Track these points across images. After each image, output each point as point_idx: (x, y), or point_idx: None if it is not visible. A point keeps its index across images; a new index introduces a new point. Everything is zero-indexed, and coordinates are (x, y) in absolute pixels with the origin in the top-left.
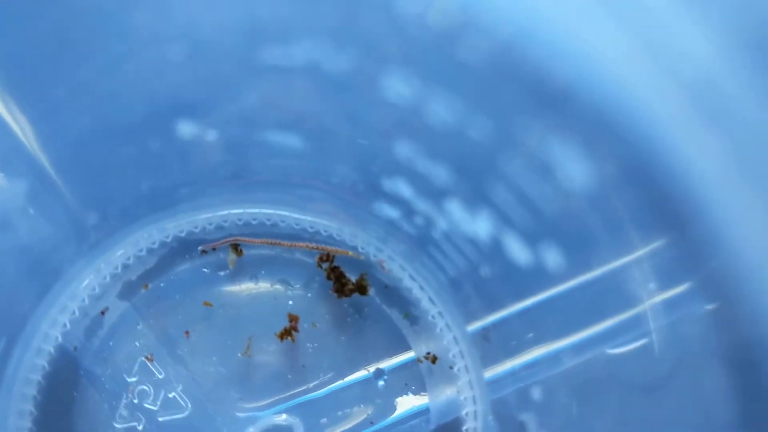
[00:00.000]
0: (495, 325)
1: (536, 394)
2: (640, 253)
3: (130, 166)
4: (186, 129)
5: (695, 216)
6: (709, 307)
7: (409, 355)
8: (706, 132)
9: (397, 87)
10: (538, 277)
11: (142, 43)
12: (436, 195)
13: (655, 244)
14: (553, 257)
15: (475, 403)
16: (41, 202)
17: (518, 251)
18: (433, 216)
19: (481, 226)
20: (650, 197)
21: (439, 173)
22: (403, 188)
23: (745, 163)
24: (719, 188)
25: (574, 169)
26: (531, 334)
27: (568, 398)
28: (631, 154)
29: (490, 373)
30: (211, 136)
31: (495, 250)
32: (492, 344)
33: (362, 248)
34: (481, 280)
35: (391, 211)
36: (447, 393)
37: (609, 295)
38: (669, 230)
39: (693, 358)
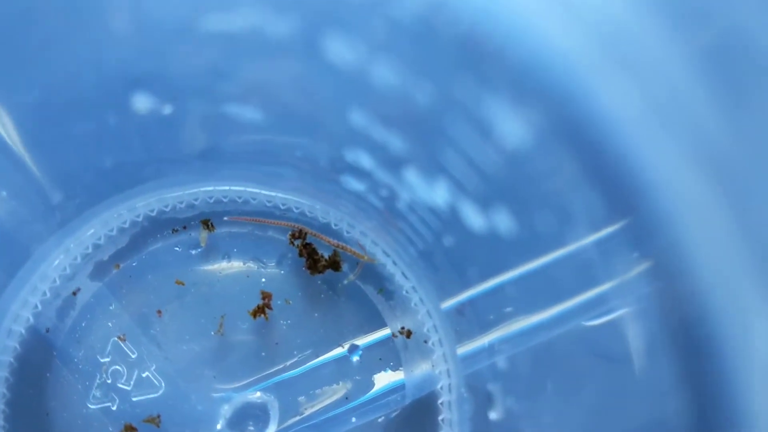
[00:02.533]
0: (471, 301)
1: (509, 366)
2: (582, 213)
3: (90, 141)
4: (142, 102)
5: (621, 164)
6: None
7: (384, 330)
8: (621, 78)
9: (341, 51)
10: (496, 244)
11: (85, 15)
12: (395, 164)
13: (590, 199)
14: (504, 222)
15: (449, 376)
16: (2, 179)
17: (473, 217)
18: (395, 187)
19: (438, 194)
20: (581, 153)
21: (394, 141)
22: (364, 159)
23: (656, 106)
24: (637, 133)
25: (509, 126)
26: (506, 309)
27: (541, 370)
28: (558, 107)
29: (464, 347)
30: (168, 109)
31: (453, 218)
32: (467, 319)
33: (335, 225)
34: (446, 251)
35: (357, 185)
36: (422, 367)
37: (581, 271)
38: (602, 183)
39: (652, 334)
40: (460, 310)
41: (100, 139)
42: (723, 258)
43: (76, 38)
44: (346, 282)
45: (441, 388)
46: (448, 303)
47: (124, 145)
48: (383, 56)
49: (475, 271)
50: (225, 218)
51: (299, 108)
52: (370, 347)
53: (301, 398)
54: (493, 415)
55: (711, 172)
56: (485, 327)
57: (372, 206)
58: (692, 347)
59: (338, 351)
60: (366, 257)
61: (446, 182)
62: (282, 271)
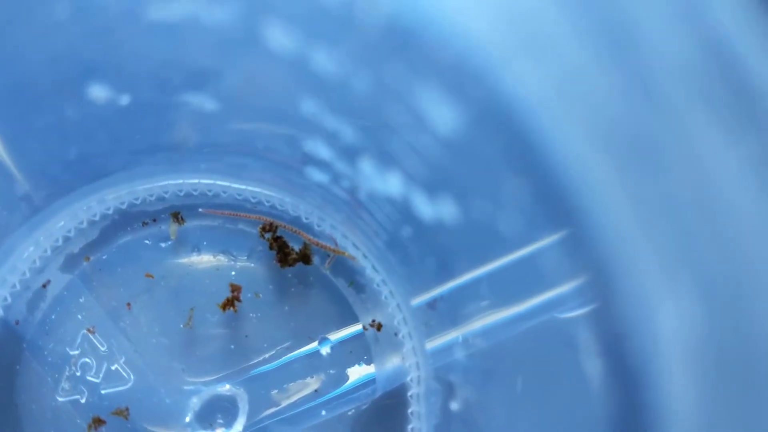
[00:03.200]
0: (443, 297)
1: (477, 360)
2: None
3: (51, 133)
4: (98, 93)
5: (537, 150)
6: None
7: (354, 323)
8: (527, 61)
9: (280, 39)
10: (445, 233)
11: (26, 4)
12: (350, 154)
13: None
14: (448, 209)
15: (418, 368)
16: None
17: (423, 207)
18: (354, 178)
19: (391, 183)
20: (502, 138)
21: (345, 130)
22: (322, 149)
23: (562, 89)
24: (545, 116)
25: (441, 113)
26: (475, 304)
27: (508, 362)
28: (478, 92)
29: (434, 341)
30: (125, 99)
31: (407, 208)
32: (438, 312)
33: (306, 219)
34: (407, 242)
35: (320, 176)
36: (392, 360)
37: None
38: (524, 170)
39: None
40: (431, 304)
41: (61, 131)
42: (629, 242)
43: (21, 27)
44: (327, 268)
45: (410, 380)
46: (419, 299)
47: (86, 136)
48: (319, 44)
49: (433, 261)
50: (200, 210)
51: (251, 97)
52: (340, 340)
53: (272, 392)
54: (461, 407)
55: (615, 156)
56: (455, 321)
57: (338, 198)
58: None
59: (309, 345)
60: (347, 254)
61: (397, 172)
62: (252, 264)
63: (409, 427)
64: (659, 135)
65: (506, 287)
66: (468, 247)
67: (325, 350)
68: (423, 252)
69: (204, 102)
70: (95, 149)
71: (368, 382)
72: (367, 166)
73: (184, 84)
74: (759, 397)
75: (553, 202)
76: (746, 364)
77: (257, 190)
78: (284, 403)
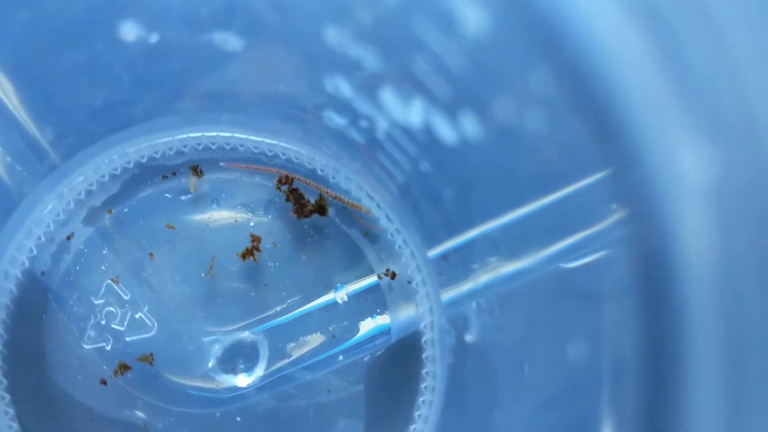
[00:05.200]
0: (456, 250)
1: (489, 304)
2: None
3: (80, 73)
4: (129, 30)
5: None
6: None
7: (369, 274)
8: None
9: None
10: (468, 156)
11: None
12: (372, 86)
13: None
14: (471, 127)
15: (432, 314)
16: None
17: (445, 130)
18: (374, 115)
19: (413, 112)
20: (536, 34)
21: (369, 57)
22: (343, 86)
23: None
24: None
25: (468, 13)
26: (490, 256)
27: (517, 308)
28: None
29: (447, 289)
30: (154, 38)
31: (427, 136)
32: (451, 264)
33: (321, 171)
34: (423, 178)
35: (339, 120)
36: (406, 308)
37: (566, 214)
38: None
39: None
40: (444, 256)
41: (89, 72)
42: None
43: None
44: (366, 212)
45: (424, 326)
46: (433, 251)
47: (113, 80)
48: None
49: (450, 193)
50: (221, 164)
51: (278, 30)
52: (355, 288)
53: (291, 340)
54: (473, 349)
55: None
56: (467, 272)
57: (354, 144)
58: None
59: (324, 292)
60: (363, 208)
61: (420, 95)
62: (269, 216)
63: (424, 371)
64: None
65: (525, 233)
66: (491, 165)
67: (341, 297)
68: (439, 186)
69: (230, 39)
70: (120, 95)
71: (384, 330)
72: (388, 96)
73: (212, 19)
74: None
75: (577, 94)
76: (761, 199)
77: (274, 142)
78: (303, 350)
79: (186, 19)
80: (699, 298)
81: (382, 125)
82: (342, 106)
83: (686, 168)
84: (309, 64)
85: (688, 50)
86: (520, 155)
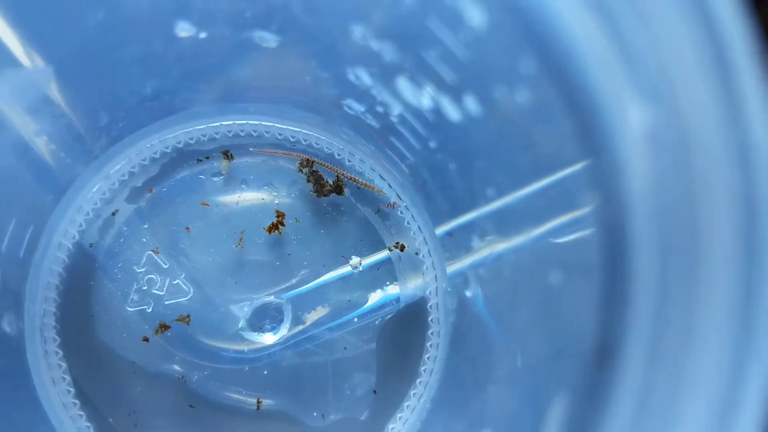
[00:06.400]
0: (460, 228)
1: (487, 271)
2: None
3: (137, 65)
4: (183, 28)
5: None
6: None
7: (381, 248)
8: None
9: None
10: (469, 130)
11: None
12: (389, 76)
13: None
14: (473, 106)
15: (437, 281)
16: (54, 102)
17: (451, 111)
18: (389, 101)
19: (424, 95)
20: (521, 22)
21: (387, 50)
22: (364, 76)
23: None
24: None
25: (470, 10)
26: (489, 235)
27: (512, 274)
28: None
29: (450, 262)
30: (203, 35)
31: (437, 117)
32: (454, 238)
33: (338, 155)
34: (431, 154)
35: (358, 107)
36: (414, 276)
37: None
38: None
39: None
40: (450, 233)
41: (146, 65)
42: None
43: None
44: (378, 192)
45: (429, 293)
46: (439, 228)
47: (164, 72)
48: None
49: (455, 166)
50: (251, 149)
51: (309, 29)
52: (368, 259)
53: (312, 305)
54: (474, 312)
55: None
56: (469, 246)
57: (369, 129)
58: None
59: (341, 262)
60: (376, 188)
61: (430, 82)
62: (292, 195)
63: (429, 331)
64: None
65: (528, 209)
66: (488, 149)
67: (355, 263)
68: (446, 165)
69: (268, 36)
70: (167, 85)
71: (394, 296)
72: (404, 85)
73: (254, 19)
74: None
75: (554, 73)
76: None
77: (297, 129)
78: (322, 313)
79: (231, 20)
80: (641, 223)
81: (396, 109)
82: (361, 93)
83: (632, 121)
84: (334, 58)
85: (628, 32)
86: (512, 129)
